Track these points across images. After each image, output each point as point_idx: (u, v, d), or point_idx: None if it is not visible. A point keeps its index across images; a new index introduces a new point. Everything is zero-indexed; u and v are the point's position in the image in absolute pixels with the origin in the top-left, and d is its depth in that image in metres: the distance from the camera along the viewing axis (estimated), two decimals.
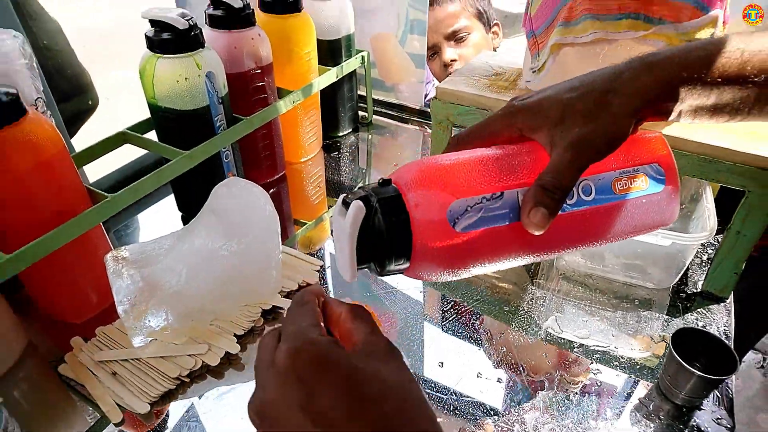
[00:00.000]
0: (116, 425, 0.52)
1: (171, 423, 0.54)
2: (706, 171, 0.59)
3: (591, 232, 0.35)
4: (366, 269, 0.32)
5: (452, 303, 0.67)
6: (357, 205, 0.29)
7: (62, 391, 0.56)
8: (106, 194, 0.59)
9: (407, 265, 0.31)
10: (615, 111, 0.32)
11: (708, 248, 0.76)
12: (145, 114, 0.72)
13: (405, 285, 0.70)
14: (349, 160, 0.98)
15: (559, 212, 0.31)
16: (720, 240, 0.64)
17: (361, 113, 1.07)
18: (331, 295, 0.71)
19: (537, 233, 0.30)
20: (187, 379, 0.55)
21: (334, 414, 0.24)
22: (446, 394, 0.56)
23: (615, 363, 0.59)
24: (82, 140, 0.79)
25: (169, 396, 0.54)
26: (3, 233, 0.54)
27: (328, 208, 0.87)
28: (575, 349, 0.60)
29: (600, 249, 0.68)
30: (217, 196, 0.62)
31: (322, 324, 0.29)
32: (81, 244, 0.58)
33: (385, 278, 0.70)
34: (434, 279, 0.32)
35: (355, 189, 0.32)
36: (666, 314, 0.65)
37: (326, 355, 0.26)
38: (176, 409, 0.55)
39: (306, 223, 0.84)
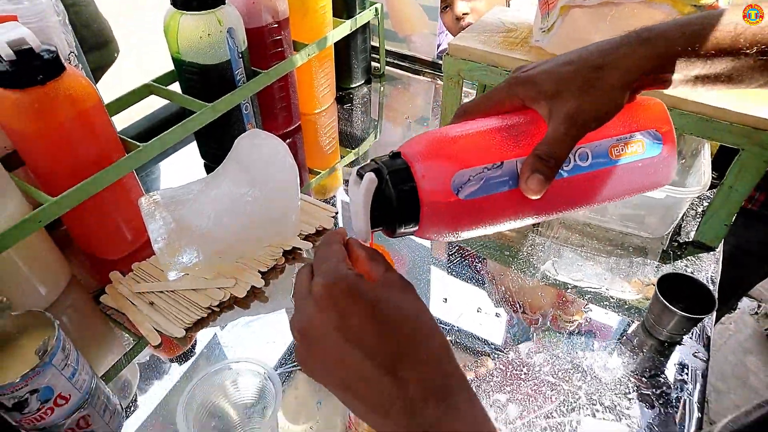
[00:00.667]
0: (155, 347, 0.59)
1: (199, 348, 0.61)
2: (704, 130, 0.62)
3: (588, 196, 0.37)
4: (379, 231, 0.36)
5: (457, 247, 0.72)
6: (369, 177, 0.32)
7: (103, 320, 0.64)
8: (138, 143, 0.63)
9: (416, 228, 0.34)
10: (609, 84, 0.34)
11: (703, 201, 0.79)
12: (144, 64, 0.75)
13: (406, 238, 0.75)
14: (361, 111, 1.01)
15: (556, 177, 0.33)
16: (714, 194, 0.68)
17: (373, 64, 1.08)
18: None
19: (534, 198, 0.33)
20: (217, 309, 0.62)
21: (362, 333, 0.29)
22: (449, 328, 0.62)
23: (606, 303, 0.64)
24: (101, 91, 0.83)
25: (200, 323, 0.61)
26: (48, 179, 0.59)
27: (341, 158, 0.91)
28: (569, 290, 0.65)
29: None
30: (240, 147, 0.66)
31: (348, 261, 0.34)
32: (116, 189, 0.63)
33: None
34: (441, 239, 0.36)
35: (369, 161, 0.35)
36: (658, 261, 0.70)
37: (355, 286, 0.30)
38: (206, 335, 0.62)
39: (320, 172, 0.89)
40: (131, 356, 0.60)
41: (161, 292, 0.63)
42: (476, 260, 0.70)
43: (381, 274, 0.32)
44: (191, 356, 0.60)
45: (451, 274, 0.69)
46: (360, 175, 0.34)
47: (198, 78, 0.72)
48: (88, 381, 0.55)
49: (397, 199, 0.32)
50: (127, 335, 0.62)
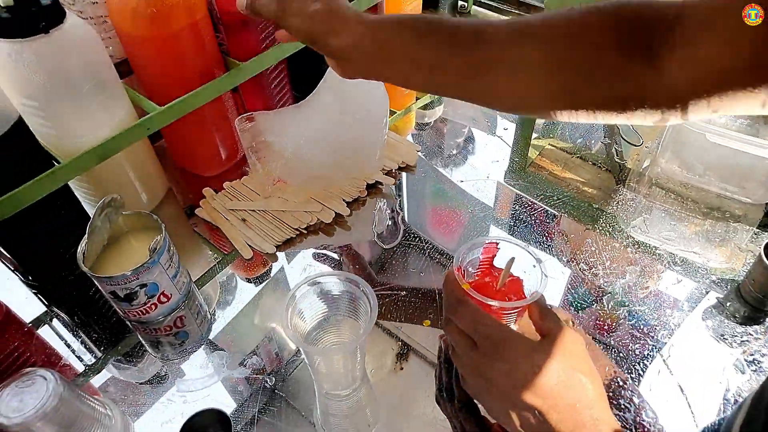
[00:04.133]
0: (247, 260, 0.62)
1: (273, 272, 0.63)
2: None
3: None
4: None
5: (526, 203, 0.70)
6: None
7: (192, 233, 0.67)
8: (238, 62, 0.64)
9: None
10: None
11: None
12: None
13: (479, 185, 0.74)
14: None
15: None
16: None
17: (460, 3, 1.04)
18: (405, 200, 0.74)
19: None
20: (304, 231, 0.64)
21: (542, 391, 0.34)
22: None
23: (696, 267, 0.62)
24: None
25: (289, 242, 0.63)
26: (156, 89, 0.61)
27: (416, 99, 0.90)
28: (658, 251, 0.63)
29: (699, 159, 0.68)
30: (332, 75, 0.66)
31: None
32: (216, 105, 0.65)
33: (460, 182, 0.74)
34: None
35: None
36: (757, 227, 0.66)
37: (525, 345, 0.36)
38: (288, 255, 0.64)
39: (396, 112, 0.88)
40: (222, 266, 0.63)
41: (253, 210, 0.65)
42: (548, 217, 0.68)
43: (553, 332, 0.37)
44: (266, 278, 0.63)
45: (515, 234, 0.67)
46: None
47: None
48: (186, 284, 0.59)
49: None
50: (211, 251, 0.65)
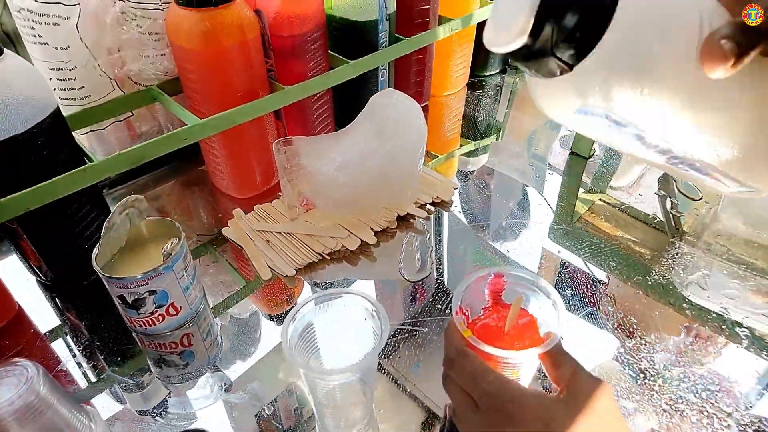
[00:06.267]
0: (265, 282, 0.59)
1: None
2: None
3: None
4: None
5: (567, 264, 0.63)
6: None
7: (217, 258, 0.65)
8: (282, 85, 0.65)
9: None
10: None
11: None
12: None
13: (519, 246, 0.68)
14: (491, 101, 0.97)
15: None
16: None
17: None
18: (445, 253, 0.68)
19: (715, 75, 0.24)
20: (327, 257, 0.61)
21: None
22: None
23: (754, 340, 0.53)
24: None
25: (310, 267, 0.60)
26: (200, 104, 0.62)
27: (459, 147, 0.88)
28: (710, 320, 0.55)
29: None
30: (374, 104, 0.65)
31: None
32: (256, 127, 0.65)
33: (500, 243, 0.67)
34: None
35: None
36: None
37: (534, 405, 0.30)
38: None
39: (437, 156, 0.86)
40: (240, 296, 0.60)
41: (279, 232, 0.63)
42: (592, 276, 0.62)
43: (567, 382, 0.31)
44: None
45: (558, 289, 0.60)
46: None
47: (345, 34, 0.73)
48: (198, 300, 0.56)
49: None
50: (233, 277, 0.62)
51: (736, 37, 0.24)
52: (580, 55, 0.23)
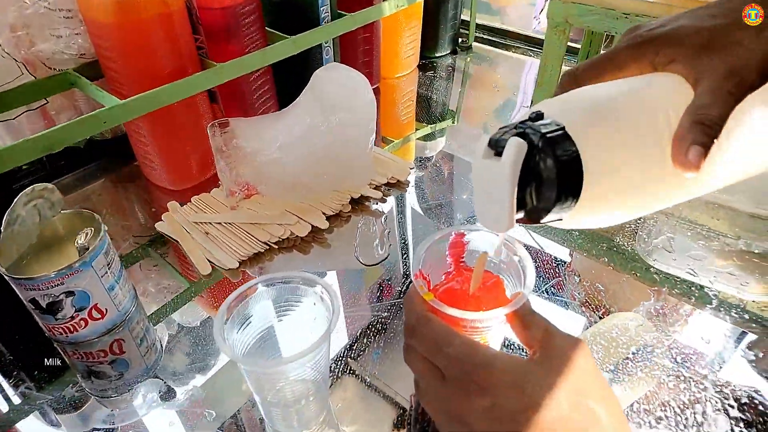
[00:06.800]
0: (204, 277, 0.54)
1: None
2: None
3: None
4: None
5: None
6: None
7: (155, 260, 0.59)
8: (214, 62, 0.59)
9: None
10: None
11: None
12: None
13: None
14: (443, 82, 0.94)
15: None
16: None
17: (460, 39, 1.02)
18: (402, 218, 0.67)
19: (690, 174, 0.26)
20: (275, 246, 0.55)
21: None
22: None
23: (720, 305, 0.52)
24: None
25: (256, 258, 0.55)
26: (123, 85, 0.56)
27: (415, 131, 0.85)
28: (672, 286, 0.53)
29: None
30: (318, 78, 0.61)
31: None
32: (189, 112, 0.59)
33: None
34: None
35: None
36: None
37: (504, 370, 0.26)
38: None
39: (393, 141, 0.82)
40: (183, 300, 0.54)
41: (218, 223, 0.58)
42: (552, 256, 0.60)
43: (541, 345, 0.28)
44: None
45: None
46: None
47: (283, 9, 0.68)
48: (128, 301, 0.50)
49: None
50: (177, 280, 0.56)
51: (698, 138, 0.25)
52: (576, 196, 0.25)
